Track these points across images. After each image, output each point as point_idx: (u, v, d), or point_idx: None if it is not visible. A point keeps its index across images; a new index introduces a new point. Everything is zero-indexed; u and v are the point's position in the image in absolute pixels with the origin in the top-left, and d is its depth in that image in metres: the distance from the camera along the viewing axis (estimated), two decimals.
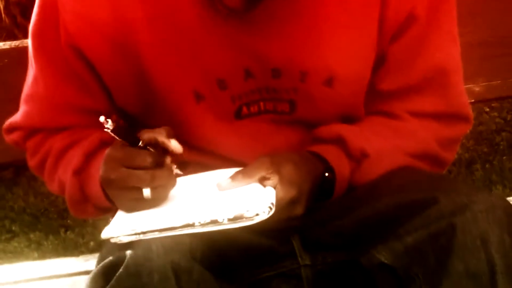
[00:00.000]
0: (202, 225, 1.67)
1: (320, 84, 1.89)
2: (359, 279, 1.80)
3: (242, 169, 1.79)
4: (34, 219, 4.13)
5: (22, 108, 2.01)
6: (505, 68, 2.52)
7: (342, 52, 1.89)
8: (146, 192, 1.72)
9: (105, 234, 1.69)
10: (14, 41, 2.40)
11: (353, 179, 1.89)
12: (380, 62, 1.92)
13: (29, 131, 2.01)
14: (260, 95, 1.88)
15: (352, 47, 1.90)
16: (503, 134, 4.50)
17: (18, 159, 2.16)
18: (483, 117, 4.62)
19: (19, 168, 2.27)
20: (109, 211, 1.87)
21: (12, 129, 2.03)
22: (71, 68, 1.91)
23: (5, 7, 4.93)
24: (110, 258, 1.64)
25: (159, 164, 1.72)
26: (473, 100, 2.53)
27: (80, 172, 1.87)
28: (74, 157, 1.88)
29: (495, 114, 4.65)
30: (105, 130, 1.67)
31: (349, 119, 1.96)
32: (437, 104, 1.98)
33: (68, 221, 4.05)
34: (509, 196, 2.58)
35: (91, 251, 3.68)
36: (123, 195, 1.77)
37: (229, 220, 1.66)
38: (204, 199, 1.78)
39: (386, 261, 1.72)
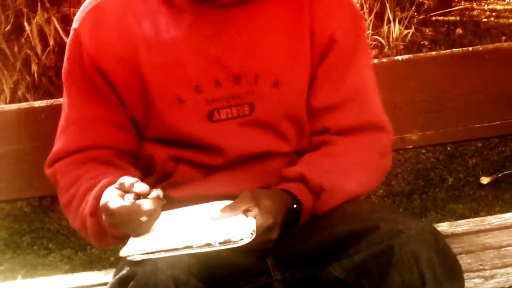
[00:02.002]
0: (199, 247, 1.69)
1: (270, 86, 1.94)
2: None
3: (229, 204, 1.79)
4: (66, 238, 4.09)
5: (59, 140, 2.01)
6: (436, 121, 2.53)
7: (284, 61, 1.95)
8: (143, 218, 1.72)
9: (123, 252, 1.71)
10: (50, 100, 2.40)
11: (314, 209, 1.90)
12: (312, 81, 1.97)
13: (66, 155, 2.00)
14: (228, 103, 1.93)
15: (292, 57, 1.96)
16: (436, 171, 4.48)
17: (54, 191, 2.12)
18: (420, 157, 4.58)
19: (54, 197, 2.29)
20: (126, 238, 1.82)
21: (53, 161, 2.02)
22: (95, 87, 1.96)
23: (43, 71, 4.92)
24: (124, 272, 1.69)
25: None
26: (411, 146, 2.58)
27: (94, 213, 1.85)
28: (89, 200, 1.87)
29: (430, 155, 4.61)
30: None
31: (296, 120, 1.99)
32: (360, 118, 2.01)
33: None
34: (440, 221, 2.62)
35: (111, 264, 3.65)
36: (120, 221, 1.74)
37: (220, 243, 1.69)
38: (200, 226, 1.79)
39: (340, 276, 1.75)
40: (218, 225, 1.78)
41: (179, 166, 1.98)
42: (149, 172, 2.01)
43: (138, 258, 1.71)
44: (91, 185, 1.88)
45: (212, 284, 1.74)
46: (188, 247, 1.70)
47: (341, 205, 1.93)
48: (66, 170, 1.99)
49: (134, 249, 1.72)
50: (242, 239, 1.71)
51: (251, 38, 1.95)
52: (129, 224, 1.73)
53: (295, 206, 1.88)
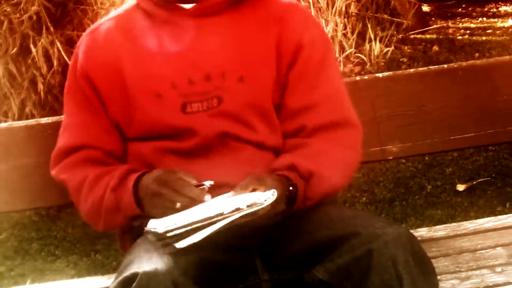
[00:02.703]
0: (229, 213, 1.72)
1: (236, 81, 2.00)
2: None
3: (238, 185, 1.85)
4: (72, 245, 4.09)
5: (57, 142, 2.13)
6: (414, 134, 2.53)
7: (248, 58, 2.03)
8: (178, 204, 1.81)
9: (150, 226, 1.77)
10: (56, 116, 2.43)
11: (305, 194, 1.93)
12: (285, 85, 2.03)
13: (66, 150, 2.10)
14: (199, 98, 2.00)
15: (256, 56, 2.03)
16: (415, 179, 4.48)
17: (60, 201, 2.23)
18: (400, 167, 4.59)
19: (60, 207, 2.28)
20: (131, 220, 1.99)
21: (53, 163, 2.13)
22: (85, 96, 2.09)
23: (48, 89, 4.92)
24: (127, 274, 1.71)
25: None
26: (391, 157, 2.59)
27: (116, 189, 1.96)
28: (111, 180, 1.97)
29: (409, 164, 4.62)
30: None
31: (262, 111, 2.04)
32: (333, 115, 2.04)
33: (97, 246, 3.99)
34: (420, 226, 2.63)
35: (113, 269, 3.57)
36: (161, 204, 1.87)
37: (248, 206, 1.72)
38: (221, 202, 1.80)
39: (323, 278, 1.77)
40: (237, 198, 1.80)
41: (160, 156, 2.04)
42: (137, 167, 2.06)
43: (161, 230, 1.73)
44: (103, 172, 2.02)
45: (207, 285, 1.77)
46: (219, 214, 1.72)
47: (324, 211, 1.96)
48: (67, 169, 2.10)
49: (162, 225, 1.74)
50: (266, 200, 1.75)
51: (222, 43, 2.05)
52: (166, 207, 1.85)
53: (291, 188, 1.91)
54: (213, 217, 1.72)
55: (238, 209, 1.73)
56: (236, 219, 1.73)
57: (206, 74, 2.01)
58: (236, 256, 1.85)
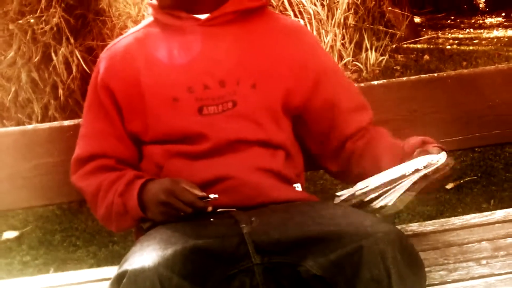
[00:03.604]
0: (410, 174, 1.87)
1: (249, 87, 2.03)
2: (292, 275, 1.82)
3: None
4: (92, 236, 4.10)
5: (75, 151, 2.14)
6: (407, 137, 2.40)
7: (260, 69, 2.06)
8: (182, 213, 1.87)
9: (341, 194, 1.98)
10: (77, 119, 2.42)
11: None
12: (325, 100, 2.15)
13: (83, 159, 2.12)
14: (214, 102, 2.01)
15: (267, 67, 2.08)
16: None
17: (80, 197, 2.20)
18: None
19: (81, 202, 2.30)
20: (140, 222, 2.00)
21: (72, 171, 2.15)
22: (103, 107, 2.10)
23: (68, 94, 4.93)
24: (120, 271, 1.73)
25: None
26: None
27: (123, 194, 1.97)
28: (120, 186, 1.99)
29: None
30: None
31: (271, 112, 2.07)
32: (368, 110, 2.22)
33: (115, 238, 4.01)
34: (411, 221, 2.63)
35: None
36: (167, 212, 1.91)
37: (424, 166, 1.87)
38: (402, 167, 1.92)
39: (317, 273, 1.75)
40: (414, 161, 1.91)
41: (170, 157, 2.05)
42: (149, 168, 2.09)
43: (354, 192, 1.94)
44: (115, 177, 2.04)
45: (199, 275, 1.75)
46: (402, 176, 1.88)
47: (316, 208, 1.95)
48: (83, 178, 2.11)
49: (352, 189, 1.90)
50: (438, 160, 1.87)
51: (234, 51, 2.07)
52: (171, 215, 1.90)
53: None
54: (397, 179, 1.88)
55: (417, 170, 1.86)
56: (417, 180, 1.87)
57: (221, 80, 2.03)
58: (227, 242, 1.83)
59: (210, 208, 1.89)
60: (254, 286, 1.82)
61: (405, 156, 1.99)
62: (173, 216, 1.90)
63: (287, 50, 2.12)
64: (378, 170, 2.00)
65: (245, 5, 2.11)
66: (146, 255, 1.74)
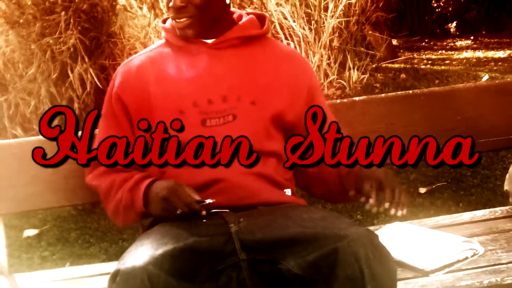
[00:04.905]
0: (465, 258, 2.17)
1: (249, 103, 2.04)
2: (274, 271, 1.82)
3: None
4: (104, 234, 4.08)
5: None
6: None
7: (260, 88, 2.06)
8: (179, 210, 1.87)
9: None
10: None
11: None
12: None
13: (93, 167, 2.13)
14: (217, 115, 2.01)
15: (265, 87, 2.08)
16: None
17: (93, 199, 2.25)
18: None
19: (94, 203, 2.30)
20: (142, 218, 2.04)
21: (87, 173, 2.15)
22: (115, 117, 2.10)
23: (84, 108, 4.89)
24: (114, 270, 1.74)
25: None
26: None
27: (132, 190, 1.99)
28: (130, 183, 2.00)
29: None
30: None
31: (266, 126, 2.06)
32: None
33: (124, 235, 3.98)
34: (388, 222, 2.61)
35: None
36: (166, 208, 1.91)
37: (474, 254, 2.19)
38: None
39: (298, 272, 1.76)
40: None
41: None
42: (153, 174, 2.08)
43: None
44: (125, 177, 2.04)
45: (187, 272, 1.76)
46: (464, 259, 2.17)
47: (297, 211, 1.95)
48: (97, 177, 2.12)
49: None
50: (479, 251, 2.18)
51: (236, 71, 2.08)
52: (169, 211, 1.90)
53: None
54: (461, 261, 2.17)
55: (473, 254, 2.21)
56: None
57: (223, 96, 2.04)
58: (215, 240, 1.83)
59: (204, 213, 1.90)
60: (241, 281, 1.82)
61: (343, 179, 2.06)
62: (171, 213, 1.90)
63: (284, 72, 2.12)
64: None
65: (248, 32, 2.13)
66: (137, 255, 1.75)
